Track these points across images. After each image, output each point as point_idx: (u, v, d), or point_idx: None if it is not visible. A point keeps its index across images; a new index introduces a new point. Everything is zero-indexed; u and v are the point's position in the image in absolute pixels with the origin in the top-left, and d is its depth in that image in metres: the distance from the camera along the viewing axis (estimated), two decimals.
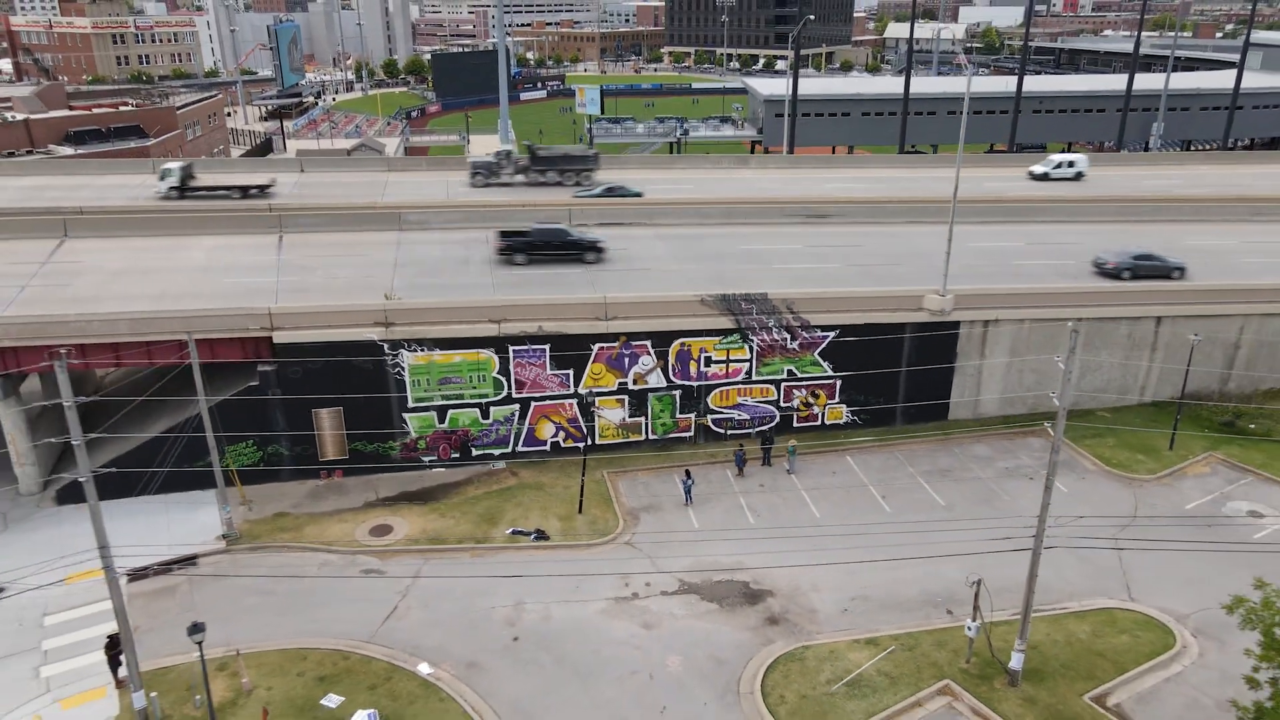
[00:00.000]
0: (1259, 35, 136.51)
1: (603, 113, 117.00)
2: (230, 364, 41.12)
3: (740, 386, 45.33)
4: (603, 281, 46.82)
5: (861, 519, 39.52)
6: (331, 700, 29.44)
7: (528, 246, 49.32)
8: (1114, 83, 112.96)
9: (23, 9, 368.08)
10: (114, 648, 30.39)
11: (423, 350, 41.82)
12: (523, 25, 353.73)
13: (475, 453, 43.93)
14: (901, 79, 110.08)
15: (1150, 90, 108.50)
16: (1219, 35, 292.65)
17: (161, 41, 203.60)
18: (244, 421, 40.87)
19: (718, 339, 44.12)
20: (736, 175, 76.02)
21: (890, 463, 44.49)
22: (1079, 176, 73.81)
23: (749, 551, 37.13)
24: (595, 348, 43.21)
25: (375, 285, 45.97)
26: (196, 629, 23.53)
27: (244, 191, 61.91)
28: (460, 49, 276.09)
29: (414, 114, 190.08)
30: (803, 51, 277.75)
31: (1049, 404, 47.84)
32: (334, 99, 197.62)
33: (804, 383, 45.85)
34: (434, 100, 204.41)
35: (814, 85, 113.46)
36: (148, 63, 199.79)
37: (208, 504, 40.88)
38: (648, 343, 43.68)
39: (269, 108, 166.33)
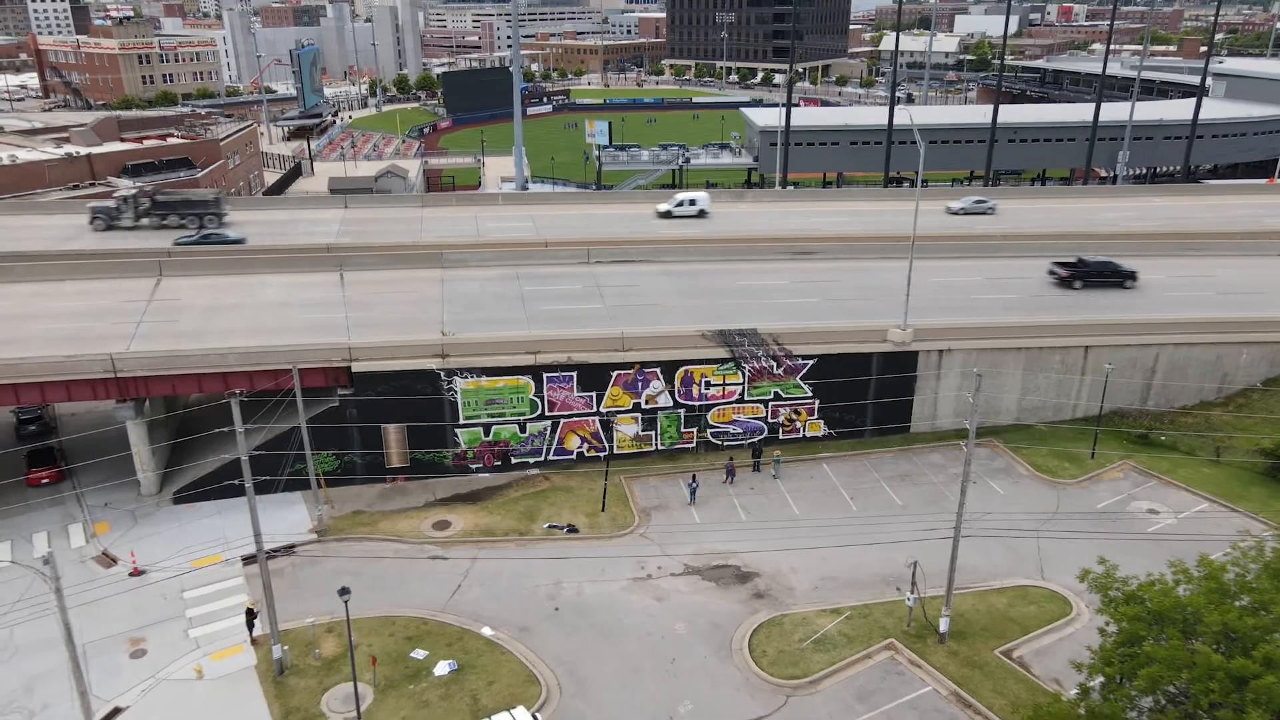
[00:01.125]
0: (1225, 66, 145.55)
1: (610, 142, 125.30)
2: (314, 388, 50.01)
3: (734, 406, 54.28)
4: (620, 316, 55.79)
5: (832, 515, 48.47)
6: (419, 654, 38.36)
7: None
8: (1084, 113, 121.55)
9: (39, 25, 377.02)
10: (250, 614, 39.42)
11: (472, 377, 50.78)
12: (527, 37, 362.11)
13: (515, 461, 52.91)
14: (900, 108, 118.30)
15: (1117, 121, 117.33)
16: (1203, 49, 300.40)
17: (184, 60, 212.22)
18: (326, 436, 49.79)
19: (716, 366, 53.07)
20: (734, 209, 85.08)
21: (859, 469, 53.43)
22: (701, 214, 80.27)
23: (740, 541, 46.11)
24: (614, 374, 52.17)
25: (427, 320, 54.96)
26: (344, 591, 32.32)
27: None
28: (469, 64, 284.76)
29: (426, 130, 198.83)
30: (799, 65, 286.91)
31: (995, 419, 57.15)
32: (350, 116, 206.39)
33: (788, 402, 54.78)
34: (444, 116, 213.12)
35: (805, 116, 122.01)
36: (171, 81, 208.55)
37: (297, 503, 49.92)
38: (657, 370, 52.64)
39: (291, 128, 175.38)
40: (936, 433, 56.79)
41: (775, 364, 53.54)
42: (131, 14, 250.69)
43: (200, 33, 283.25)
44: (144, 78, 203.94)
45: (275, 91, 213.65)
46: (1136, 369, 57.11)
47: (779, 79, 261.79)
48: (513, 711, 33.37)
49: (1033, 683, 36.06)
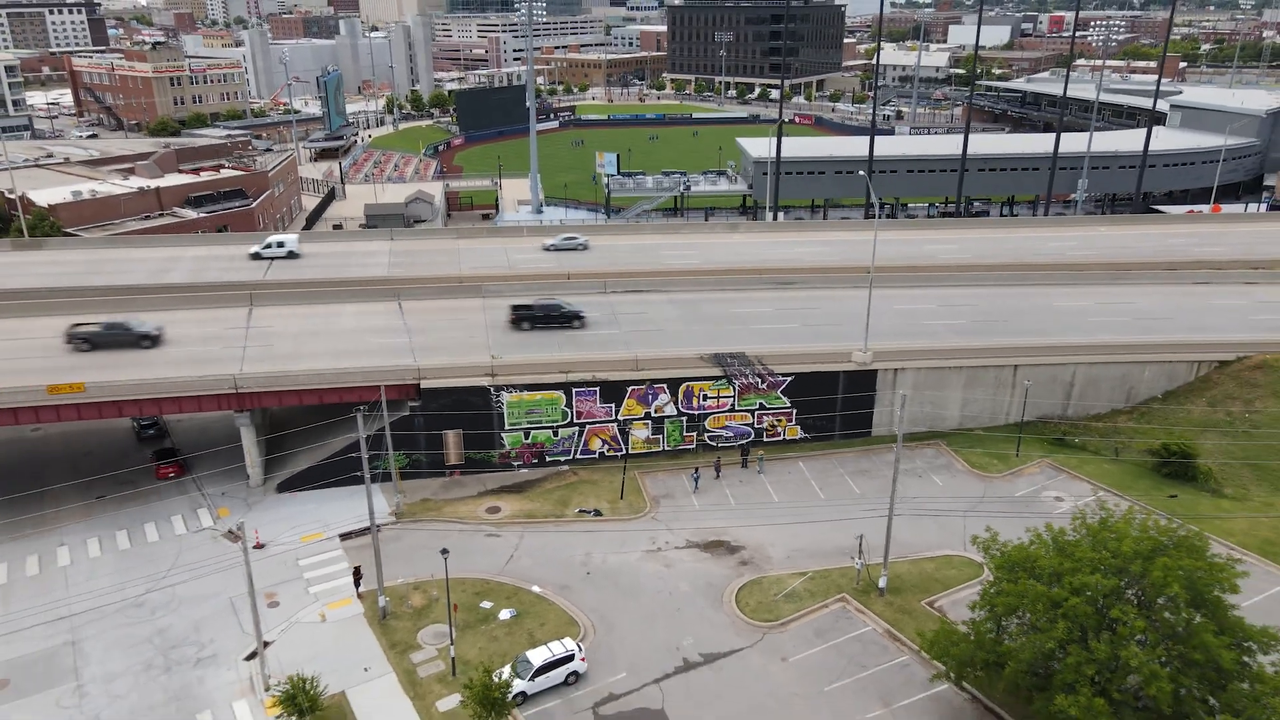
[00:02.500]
0: (1180, 97, 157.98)
1: (619, 171, 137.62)
2: (390, 400, 62.30)
3: (727, 414, 66.65)
4: (634, 341, 68.18)
5: (804, 502, 60.87)
6: (486, 604, 50.76)
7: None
8: (1048, 143, 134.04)
9: (56, 38, 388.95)
10: (357, 575, 51.85)
11: (516, 392, 63.18)
12: (526, 37, 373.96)
13: (549, 459, 65.32)
14: (883, 140, 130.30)
15: (1077, 152, 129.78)
16: (1183, 65, 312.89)
17: (212, 82, 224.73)
18: (399, 439, 62.09)
19: (711, 383, 65.45)
20: (728, 240, 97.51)
21: (828, 466, 65.80)
22: (291, 255, 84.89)
23: (731, 522, 58.53)
24: (629, 389, 64.54)
25: (476, 344, 67.34)
26: (444, 551, 44.53)
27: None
28: (478, 79, 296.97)
29: (440, 148, 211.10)
30: (794, 81, 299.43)
31: (941, 425, 69.58)
32: (370, 135, 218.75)
33: (770, 411, 67.17)
34: (458, 134, 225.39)
35: (795, 147, 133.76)
36: (200, 101, 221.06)
37: (376, 493, 62.01)
38: (664, 385, 65.00)
39: (317, 149, 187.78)
40: (893, 436, 68.98)
41: (760, 381, 65.92)
42: (162, 39, 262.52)
43: (224, 52, 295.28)
44: (175, 99, 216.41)
45: (299, 112, 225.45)
46: (1057, 384, 69.47)
47: (775, 94, 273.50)
48: (562, 641, 45.76)
49: (946, 623, 48.37)
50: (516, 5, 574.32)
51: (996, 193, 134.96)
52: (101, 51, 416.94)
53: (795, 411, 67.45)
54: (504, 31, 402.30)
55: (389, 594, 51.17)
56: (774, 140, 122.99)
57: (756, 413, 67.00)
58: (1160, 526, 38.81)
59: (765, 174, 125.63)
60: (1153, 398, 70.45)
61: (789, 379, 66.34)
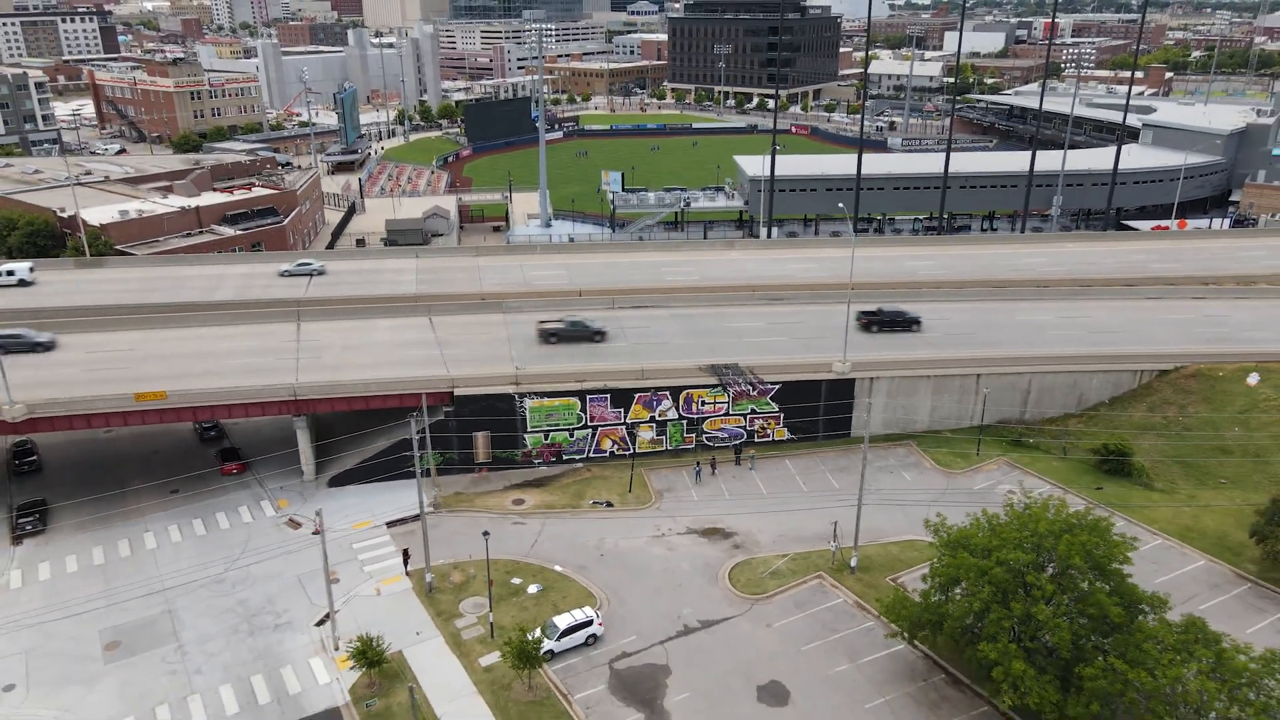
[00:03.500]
0: (1152, 116, 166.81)
1: (623, 188, 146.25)
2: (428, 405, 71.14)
3: (722, 418, 75.48)
4: (639, 353, 77.02)
5: (789, 494, 69.70)
6: (516, 580, 59.60)
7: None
8: (1026, 161, 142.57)
9: (69, 46, 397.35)
10: (405, 556, 60.70)
11: (537, 398, 72.02)
12: (534, 60, 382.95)
13: (565, 458, 74.16)
14: (870, 157, 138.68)
15: (1052, 170, 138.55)
16: (1169, 75, 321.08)
17: (230, 95, 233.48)
18: (434, 439, 70.87)
19: (708, 390, 74.26)
20: (725, 256, 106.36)
21: (811, 463, 74.61)
22: (22, 283, 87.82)
23: (725, 511, 67.38)
24: (636, 396, 73.37)
25: (500, 356, 76.16)
26: (486, 534, 53.30)
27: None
28: (483, 88, 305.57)
29: (450, 159, 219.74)
30: (791, 90, 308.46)
31: (912, 427, 78.38)
32: (382, 148, 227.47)
33: (761, 415, 75.99)
34: (466, 145, 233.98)
35: (788, 165, 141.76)
36: (219, 115, 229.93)
37: (414, 488, 71.01)
38: (667, 392, 73.82)
39: (334, 163, 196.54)
40: (869, 437, 77.80)
41: (752, 388, 74.75)
42: (181, 55, 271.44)
43: (240, 65, 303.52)
44: (195, 112, 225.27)
45: (313, 124, 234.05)
46: (1015, 391, 78.30)
47: (772, 104, 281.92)
48: (583, 609, 54.61)
49: (899, 592, 57.13)
50: (518, 10, 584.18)
51: (978, 208, 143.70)
52: (113, 59, 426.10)
53: (783, 415, 76.25)
54: (507, 40, 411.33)
55: (433, 572, 59.99)
56: (769, 158, 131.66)
57: (748, 416, 75.80)
58: (1071, 512, 47.60)
59: (760, 191, 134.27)
60: (1100, 403, 79.24)
61: (777, 387, 75.14)
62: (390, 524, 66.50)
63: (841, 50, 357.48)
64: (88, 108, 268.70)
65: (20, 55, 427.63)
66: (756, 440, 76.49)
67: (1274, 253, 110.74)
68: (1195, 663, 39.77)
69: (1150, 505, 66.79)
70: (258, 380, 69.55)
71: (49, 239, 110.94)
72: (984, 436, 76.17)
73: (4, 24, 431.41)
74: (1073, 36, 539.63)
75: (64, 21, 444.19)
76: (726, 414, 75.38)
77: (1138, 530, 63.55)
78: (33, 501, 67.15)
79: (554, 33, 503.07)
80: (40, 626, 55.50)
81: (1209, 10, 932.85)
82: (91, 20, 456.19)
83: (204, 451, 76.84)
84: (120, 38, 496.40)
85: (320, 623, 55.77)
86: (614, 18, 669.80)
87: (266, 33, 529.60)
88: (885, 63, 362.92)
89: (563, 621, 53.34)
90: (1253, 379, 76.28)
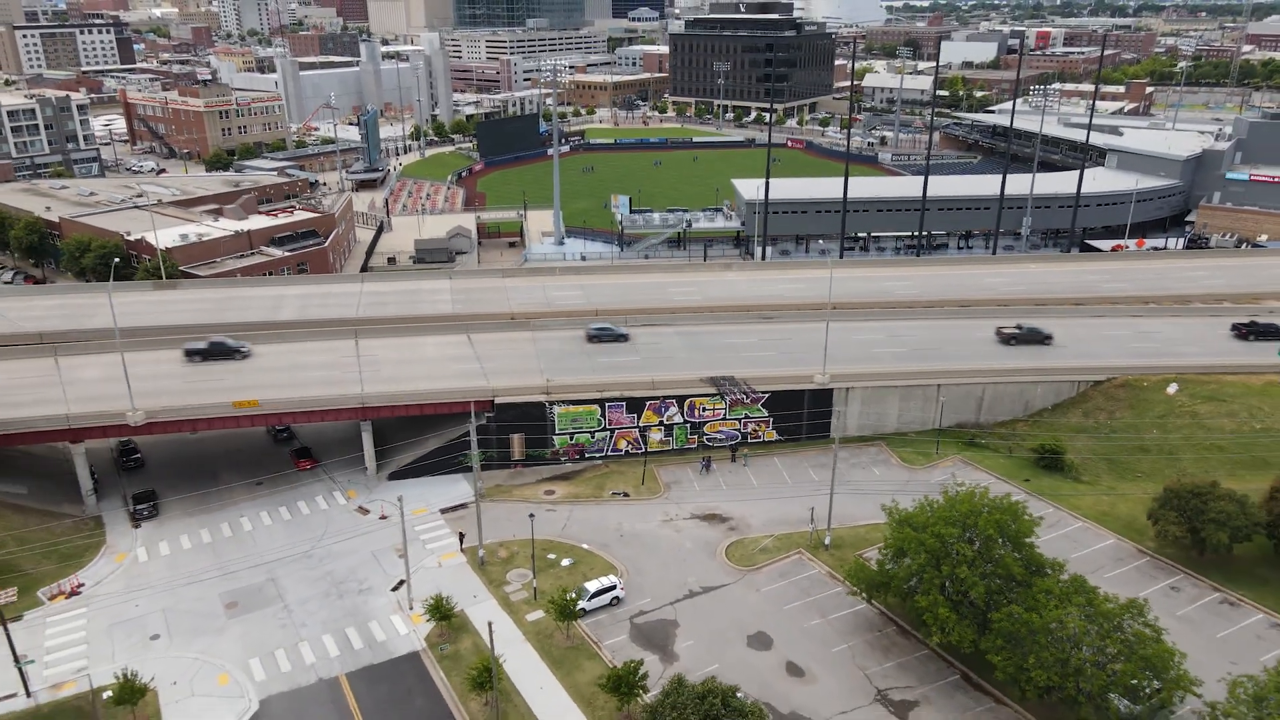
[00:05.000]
0: (1118, 141, 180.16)
1: (631, 210, 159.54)
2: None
3: (720, 422, 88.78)
4: (649, 366, 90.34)
5: (776, 486, 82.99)
6: (551, 555, 72.84)
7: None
8: (998, 185, 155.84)
9: (87, 57, 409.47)
10: (461, 536, 74.06)
11: (564, 405, 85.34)
12: (540, 72, 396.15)
13: (588, 456, 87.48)
14: (856, 180, 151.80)
15: (1022, 194, 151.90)
16: (1150, 90, 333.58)
17: (255, 114, 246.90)
18: (478, 440, 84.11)
19: (709, 399, 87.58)
20: (723, 277, 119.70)
21: (795, 460, 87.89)
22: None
23: (723, 500, 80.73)
24: (647, 403, 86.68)
25: (531, 369, 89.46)
26: (532, 515, 66.52)
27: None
28: (494, 106, 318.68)
29: (463, 174, 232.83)
30: (787, 105, 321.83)
31: (883, 430, 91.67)
32: (400, 164, 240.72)
33: (753, 420, 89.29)
34: (478, 160, 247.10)
35: (781, 188, 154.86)
36: (245, 132, 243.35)
37: (460, 481, 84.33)
38: (673, 400, 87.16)
39: (357, 181, 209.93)
40: (845, 438, 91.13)
41: (746, 397, 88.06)
42: (210, 77, 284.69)
43: (261, 82, 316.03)
44: (223, 130, 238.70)
45: (335, 140, 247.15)
46: (970, 399, 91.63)
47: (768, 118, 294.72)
48: (608, 577, 67.94)
49: (859, 561, 70.12)
50: (521, 19, 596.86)
51: (954, 228, 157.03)
52: (130, 70, 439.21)
53: (772, 420, 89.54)
54: (513, 54, 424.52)
55: (484, 549, 73.31)
56: (763, 182, 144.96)
57: (743, 420, 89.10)
58: (992, 497, 60.89)
59: (756, 212, 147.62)
60: (1044, 409, 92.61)
61: (767, 395, 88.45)
62: (443, 510, 79.88)
63: (836, 63, 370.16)
64: (117, 122, 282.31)
65: (40, 66, 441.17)
66: (749, 441, 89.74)
67: (1213, 273, 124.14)
68: (1073, 608, 53.01)
69: (1076, 495, 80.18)
70: (330, 391, 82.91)
71: (120, 261, 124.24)
72: (942, 438, 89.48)
73: (25, 35, 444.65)
74: (1064, 46, 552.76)
75: (82, 34, 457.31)
76: (724, 418, 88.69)
77: (1063, 515, 77.05)
78: (145, 491, 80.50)
79: (557, 42, 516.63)
80: (170, 591, 68.88)
81: (1204, 15, 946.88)
82: (108, 32, 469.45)
83: (278, 451, 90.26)
84: (135, 47, 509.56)
85: (395, 588, 69.09)
86: (615, 24, 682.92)
87: (279, 42, 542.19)
88: (878, 75, 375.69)
89: (592, 586, 66.68)
90: (1172, 389, 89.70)
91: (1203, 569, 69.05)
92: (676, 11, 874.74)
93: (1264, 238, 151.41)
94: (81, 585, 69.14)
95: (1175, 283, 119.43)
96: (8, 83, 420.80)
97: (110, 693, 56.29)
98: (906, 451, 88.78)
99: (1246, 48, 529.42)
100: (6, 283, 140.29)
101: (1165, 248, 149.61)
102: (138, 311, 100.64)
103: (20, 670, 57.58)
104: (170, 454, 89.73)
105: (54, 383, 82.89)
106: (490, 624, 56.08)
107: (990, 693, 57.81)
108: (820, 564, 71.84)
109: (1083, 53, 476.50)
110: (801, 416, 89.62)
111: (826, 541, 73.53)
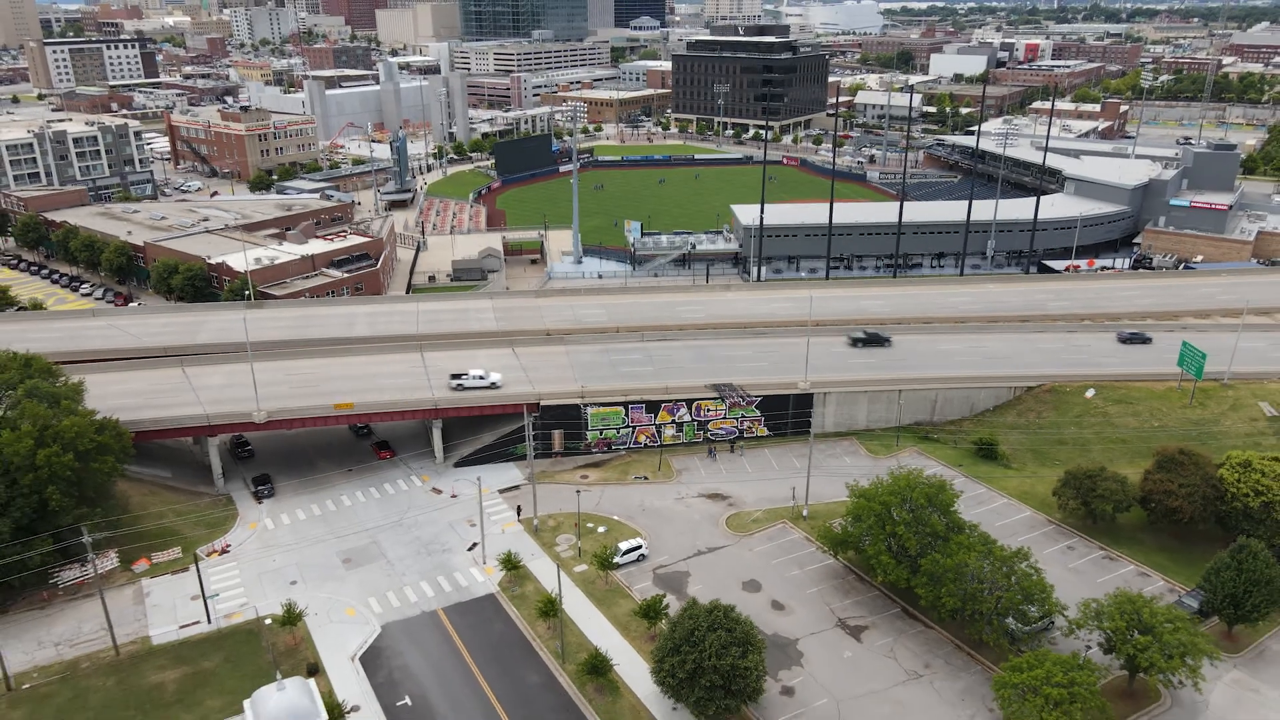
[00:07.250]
0: (1075, 169, 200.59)
1: (642, 234, 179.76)
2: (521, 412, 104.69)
3: (721, 420, 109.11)
4: (663, 375, 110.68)
5: (765, 471, 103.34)
6: (589, 524, 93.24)
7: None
8: (965, 212, 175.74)
9: (113, 72, 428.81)
10: (519, 510, 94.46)
11: (596, 407, 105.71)
12: (548, 89, 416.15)
13: (614, 448, 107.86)
14: (840, 206, 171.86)
15: (987, 220, 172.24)
16: (1124, 109, 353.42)
17: (290, 136, 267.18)
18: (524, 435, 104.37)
19: (712, 402, 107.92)
20: (724, 297, 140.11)
21: (782, 451, 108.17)
22: None
23: (723, 482, 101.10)
24: (662, 405, 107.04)
25: (567, 378, 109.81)
26: (579, 491, 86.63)
27: None
28: (507, 124, 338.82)
29: (482, 191, 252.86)
30: (783, 122, 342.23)
31: (854, 427, 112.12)
32: (425, 183, 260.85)
33: (748, 419, 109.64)
34: (496, 178, 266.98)
35: (775, 214, 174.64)
36: (281, 153, 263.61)
37: (510, 468, 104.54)
38: (684, 402, 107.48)
39: (388, 200, 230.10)
40: (824, 433, 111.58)
41: (742, 400, 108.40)
42: (249, 104, 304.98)
43: (293, 106, 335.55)
44: (262, 151, 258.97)
45: (365, 162, 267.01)
46: (926, 401, 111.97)
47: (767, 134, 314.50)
48: (635, 539, 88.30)
49: (827, 525, 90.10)
50: (527, 30, 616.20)
51: (928, 250, 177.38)
52: (155, 84, 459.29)
53: (763, 418, 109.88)
54: (521, 70, 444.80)
55: (537, 519, 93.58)
56: (759, 208, 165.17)
57: (740, 419, 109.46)
58: (925, 475, 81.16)
59: (753, 237, 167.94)
60: (987, 410, 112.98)
61: (760, 399, 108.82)
62: (501, 491, 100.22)
63: (830, 80, 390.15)
64: (157, 142, 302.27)
65: (70, 80, 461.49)
66: (745, 435, 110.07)
67: (1145, 292, 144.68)
68: (974, 554, 73.30)
69: (1005, 477, 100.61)
70: (407, 395, 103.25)
71: (204, 282, 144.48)
72: (902, 433, 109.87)
73: (55, 51, 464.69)
74: (1052, 58, 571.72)
75: (108, 49, 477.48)
76: (724, 418, 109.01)
77: (993, 494, 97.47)
78: (262, 475, 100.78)
79: (562, 54, 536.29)
80: (298, 549, 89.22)
81: (1195, 21, 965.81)
82: (133, 47, 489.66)
83: (359, 444, 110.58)
84: (158, 60, 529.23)
85: (470, 548, 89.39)
86: (617, 33, 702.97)
87: (293, 51, 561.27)
88: (870, 93, 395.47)
89: (624, 545, 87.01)
90: (1089, 393, 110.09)
91: (1093, 534, 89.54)
92: (677, 19, 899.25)
93: (1199, 258, 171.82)
94: (229, 545, 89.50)
95: (1110, 301, 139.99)
96: (40, 96, 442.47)
97: (270, 620, 76.71)
98: (873, 444, 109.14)
99: (1228, 59, 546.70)
100: (99, 299, 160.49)
101: (1112, 268, 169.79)
102: (237, 328, 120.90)
103: (205, 602, 77.96)
104: (273, 447, 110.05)
105: (186, 388, 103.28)
106: (557, 568, 76.86)
107: (920, 619, 78.33)
108: (799, 531, 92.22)
109: (1068, 66, 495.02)
110: (787, 416, 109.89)
111: (805, 514, 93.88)
